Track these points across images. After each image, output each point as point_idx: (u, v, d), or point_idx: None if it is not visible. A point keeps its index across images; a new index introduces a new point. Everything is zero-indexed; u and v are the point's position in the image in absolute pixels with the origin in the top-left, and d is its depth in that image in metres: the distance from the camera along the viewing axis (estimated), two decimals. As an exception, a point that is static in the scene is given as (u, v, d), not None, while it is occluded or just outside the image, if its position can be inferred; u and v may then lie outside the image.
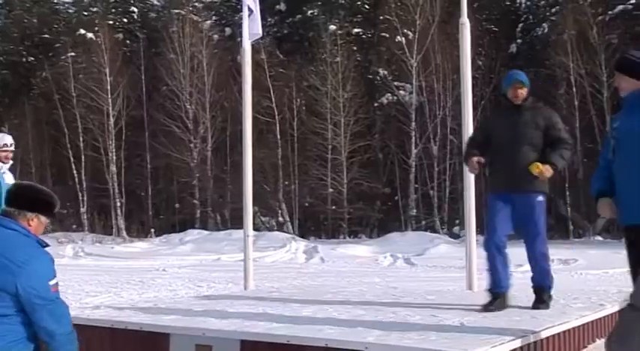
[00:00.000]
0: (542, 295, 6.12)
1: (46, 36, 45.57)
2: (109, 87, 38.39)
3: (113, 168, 38.82)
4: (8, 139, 7.37)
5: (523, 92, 6.22)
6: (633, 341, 2.81)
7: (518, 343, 4.61)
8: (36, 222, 3.61)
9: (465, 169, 7.83)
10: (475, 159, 6.05)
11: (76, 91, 38.71)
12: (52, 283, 3.47)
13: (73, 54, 40.48)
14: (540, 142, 5.98)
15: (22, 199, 3.62)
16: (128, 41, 44.65)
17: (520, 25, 39.52)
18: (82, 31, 41.58)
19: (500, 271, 6.05)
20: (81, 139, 38.91)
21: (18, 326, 3.43)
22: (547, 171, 5.77)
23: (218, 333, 4.61)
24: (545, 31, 37.31)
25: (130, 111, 39.20)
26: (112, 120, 38.69)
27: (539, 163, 5.75)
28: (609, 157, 4.67)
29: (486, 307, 5.81)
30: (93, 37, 40.43)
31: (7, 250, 3.39)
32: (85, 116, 38.74)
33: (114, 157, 38.82)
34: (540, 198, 6.01)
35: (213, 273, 16.67)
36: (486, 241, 6.09)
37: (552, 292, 6.19)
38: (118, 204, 38.96)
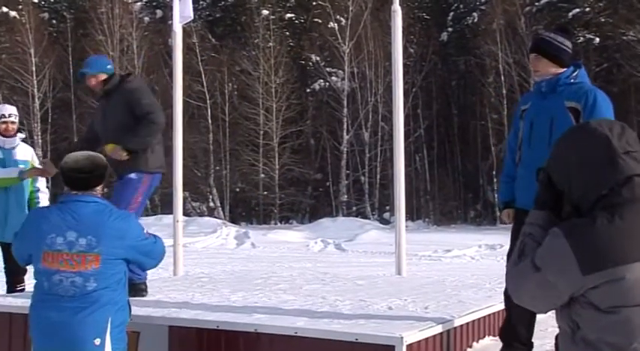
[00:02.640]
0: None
1: (-33, 14, 43.92)
2: (34, 68, 37.31)
3: (39, 151, 37.76)
4: (7, 110, 6.87)
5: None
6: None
7: (445, 327, 4.69)
8: (100, 189, 3.94)
9: (396, 154, 7.91)
10: None
11: (-1, 71, 37.51)
12: (144, 231, 3.89)
13: (-5, 33, 39.17)
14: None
15: (92, 180, 3.86)
16: (54, 21, 43.40)
17: (451, 13, 40.10)
18: (5, 9, 40.18)
19: None
20: (4, 121, 37.76)
21: (124, 289, 3.83)
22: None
23: (146, 319, 4.54)
24: (475, 20, 37.98)
25: (57, 93, 38.22)
26: (37, 102, 37.65)
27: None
28: (512, 145, 4.77)
29: None
30: (17, 15, 39.14)
31: (101, 220, 3.70)
32: (8, 98, 37.47)
33: (39, 141, 37.81)
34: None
35: (142, 259, 16.40)
36: None
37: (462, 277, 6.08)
38: (44, 188, 38.03)
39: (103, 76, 5.64)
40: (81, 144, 5.80)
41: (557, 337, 4.49)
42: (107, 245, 3.67)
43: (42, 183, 7.03)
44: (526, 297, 2.28)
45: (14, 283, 6.59)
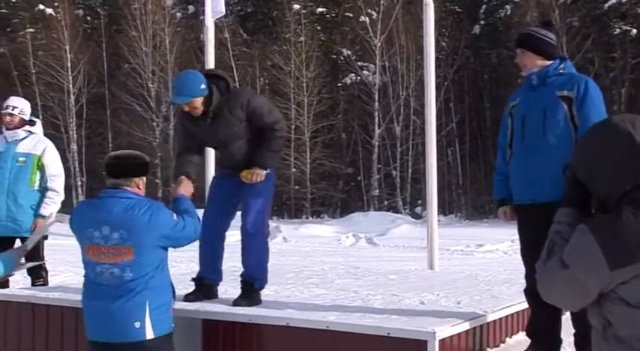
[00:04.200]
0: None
1: (4, 11, 44.52)
2: (69, 64, 37.78)
3: (74, 146, 38.30)
4: (9, 101, 6.63)
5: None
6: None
7: (478, 322, 4.67)
8: (141, 184, 4.07)
9: (428, 148, 7.88)
10: None
11: (35, 67, 38.03)
12: (174, 218, 4.01)
13: (32, 30, 39.69)
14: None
15: (127, 168, 4.03)
16: (89, 18, 43.90)
17: (483, 6, 39.74)
18: (41, 7, 40.74)
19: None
20: (40, 116, 38.19)
21: (163, 273, 4.02)
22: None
23: (180, 312, 4.59)
24: (508, 12, 37.58)
25: (91, 89, 38.68)
26: (72, 98, 38.13)
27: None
28: (502, 143, 4.75)
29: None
30: (52, 12, 39.65)
31: (131, 215, 3.86)
32: (44, 93, 38.09)
33: (74, 136, 38.31)
34: None
35: (174, 252, 16.56)
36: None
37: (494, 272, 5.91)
38: (79, 182, 38.49)
39: (200, 100, 4.82)
40: (189, 160, 5.12)
41: (575, 335, 4.48)
42: (138, 237, 3.85)
43: (59, 183, 6.65)
44: (556, 295, 2.26)
45: (34, 279, 6.50)
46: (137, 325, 3.86)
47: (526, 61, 4.60)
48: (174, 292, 4.16)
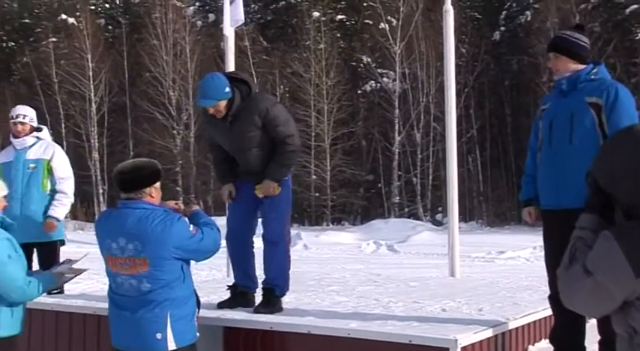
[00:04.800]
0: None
1: (27, 21, 45.07)
2: (90, 73, 38.09)
3: (95, 155, 38.58)
4: (17, 110, 6.68)
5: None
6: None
7: (499, 330, 4.64)
8: (155, 192, 4.02)
9: (449, 155, 7.85)
10: None
11: (57, 76, 38.39)
12: (190, 230, 3.96)
13: (54, 39, 40.11)
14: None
15: (135, 182, 3.98)
16: (110, 27, 44.28)
17: (503, 12, 39.58)
18: (64, 16, 41.19)
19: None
20: (63, 125, 38.61)
21: (184, 284, 3.98)
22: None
23: (202, 320, 4.60)
24: (529, 18, 37.40)
25: (113, 97, 38.96)
26: (94, 106, 38.43)
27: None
28: (533, 146, 4.71)
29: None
30: (74, 22, 40.06)
31: (144, 226, 3.83)
32: (66, 102, 38.44)
33: (96, 144, 38.58)
34: None
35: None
36: None
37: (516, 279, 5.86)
38: (101, 191, 38.75)
39: (224, 103, 4.90)
40: (223, 165, 5.29)
41: (600, 342, 4.43)
42: (151, 249, 3.83)
43: (68, 185, 6.65)
44: (578, 302, 2.23)
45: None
46: (159, 336, 3.86)
47: (559, 66, 4.54)
48: (198, 301, 4.14)
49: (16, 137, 6.61)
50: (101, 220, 4.11)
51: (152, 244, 3.82)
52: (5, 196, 4.22)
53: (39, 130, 6.75)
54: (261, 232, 5.20)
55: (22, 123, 6.61)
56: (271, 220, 5.11)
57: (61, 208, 6.58)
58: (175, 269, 3.93)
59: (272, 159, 4.99)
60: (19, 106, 6.93)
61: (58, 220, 6.56)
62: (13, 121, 6.63)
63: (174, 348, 3.89)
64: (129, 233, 3.86)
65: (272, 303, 5.03)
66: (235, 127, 4.97)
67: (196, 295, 4.12)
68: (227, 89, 4.87)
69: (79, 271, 4.54)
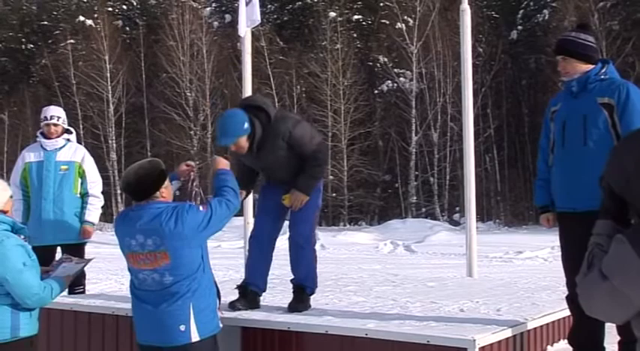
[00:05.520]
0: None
1: (45, 23, 45.43)
2: (108, 74, 38.32)
3: (113, 155, 38.79)
4: (49, 111, 6.71)
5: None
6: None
7: (518, 330, 4.62)
8: (165, 192, 4.12)
9: (466, 155, 7.83)
10: None
11: (75, 78, 38.64)
12: (200, 212, 4.02)
13: (72, 41, 40.36)
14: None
15: (141, 192, 4.06)
16: (127, 28, 44.52)
17: (521, 11, 39.39)
18: (82, 18, 41.45)
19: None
20: (81, 126, 38.79)
21: (205, 273, 4.06)
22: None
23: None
24: (546, 17, 37.20)
25: (130, 98, 39.16)
26: (111, 107, 38.66)
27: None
28: (544, 148, 4.69)
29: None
30: (92, 24, 40.31)
31: (159, 221, 3.91)
32: (84, 103, 38.68)
33: (114, 145, 38.80)
34: None
35: (213, 260, 16.64)
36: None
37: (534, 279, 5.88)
38: (119, 191, 38.92)
39: (244, 139, 4.86)
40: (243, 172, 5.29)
41: (620, 343, 4.39)
42: (170, 241, 3.92)
43: (98, 189, 6.79)
44: (597, 308, 2.20)
45: (72, 286, 6.61)
46: (182, 328, 3.92)
47: (568, 68, 4.52)
48: (219, 292, 4.21)
49: (47, 138, 6.66)
50: (119, 220, 4.19)
51: (169, 237, 3.91)
52: (11, 196, 4.23)
53: (69, 132, 6.83)
54: (287, 233, 5.21)
55: (55, 124, 6.67)
56: (299, 222, 5.15)
57: (95, 212, 6.71)
58: (195, 258, 4.02)
59: (301, 171, 5.02)
60: (52, 107, 6.98)
61: (93, 224, 6.65)
62: (46, 122, 6.67)
63: (198, 339, 3.94)
64: (145, 229, 3.95)
65: (304, 300, 5.14)
66: (262, 156, 5.00)
67: (216, 285, 4.19)
68: (246, 125, 4.81)
69: (85, 262, 4.60)
